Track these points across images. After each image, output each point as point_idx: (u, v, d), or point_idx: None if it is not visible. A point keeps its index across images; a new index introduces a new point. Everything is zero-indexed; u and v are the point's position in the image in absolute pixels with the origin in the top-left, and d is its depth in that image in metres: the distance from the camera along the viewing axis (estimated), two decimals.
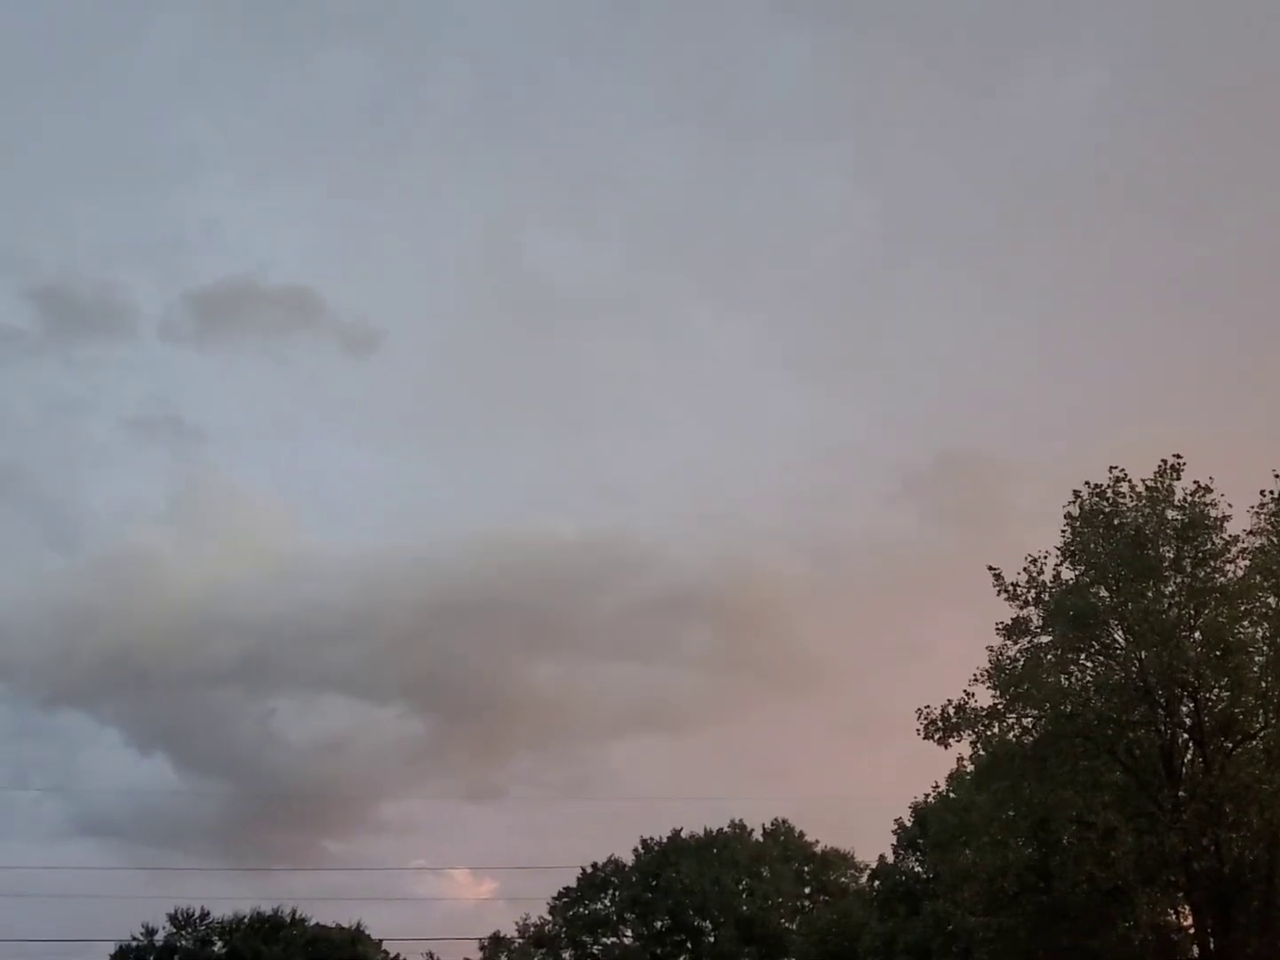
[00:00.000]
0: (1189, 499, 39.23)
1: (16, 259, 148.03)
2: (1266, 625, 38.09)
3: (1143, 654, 38.09)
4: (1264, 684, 37.64)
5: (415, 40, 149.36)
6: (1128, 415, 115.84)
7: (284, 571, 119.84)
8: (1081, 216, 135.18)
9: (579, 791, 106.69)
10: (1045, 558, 40.33)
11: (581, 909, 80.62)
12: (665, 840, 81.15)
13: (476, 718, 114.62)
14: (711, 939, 78.02)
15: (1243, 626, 37.99)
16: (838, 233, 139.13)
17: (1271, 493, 38.68)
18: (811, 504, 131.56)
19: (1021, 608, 40.27)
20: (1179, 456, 39.77)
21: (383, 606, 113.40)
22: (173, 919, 77.81)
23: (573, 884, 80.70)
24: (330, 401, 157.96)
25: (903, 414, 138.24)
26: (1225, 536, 39.10)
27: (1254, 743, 38.32)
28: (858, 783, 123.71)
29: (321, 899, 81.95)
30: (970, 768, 46.40)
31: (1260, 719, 38.11)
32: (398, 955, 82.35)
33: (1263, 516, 38.80)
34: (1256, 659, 37.85)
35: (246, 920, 77.86)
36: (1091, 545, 39.80)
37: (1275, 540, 38.45)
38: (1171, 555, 39.22)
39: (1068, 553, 40.11)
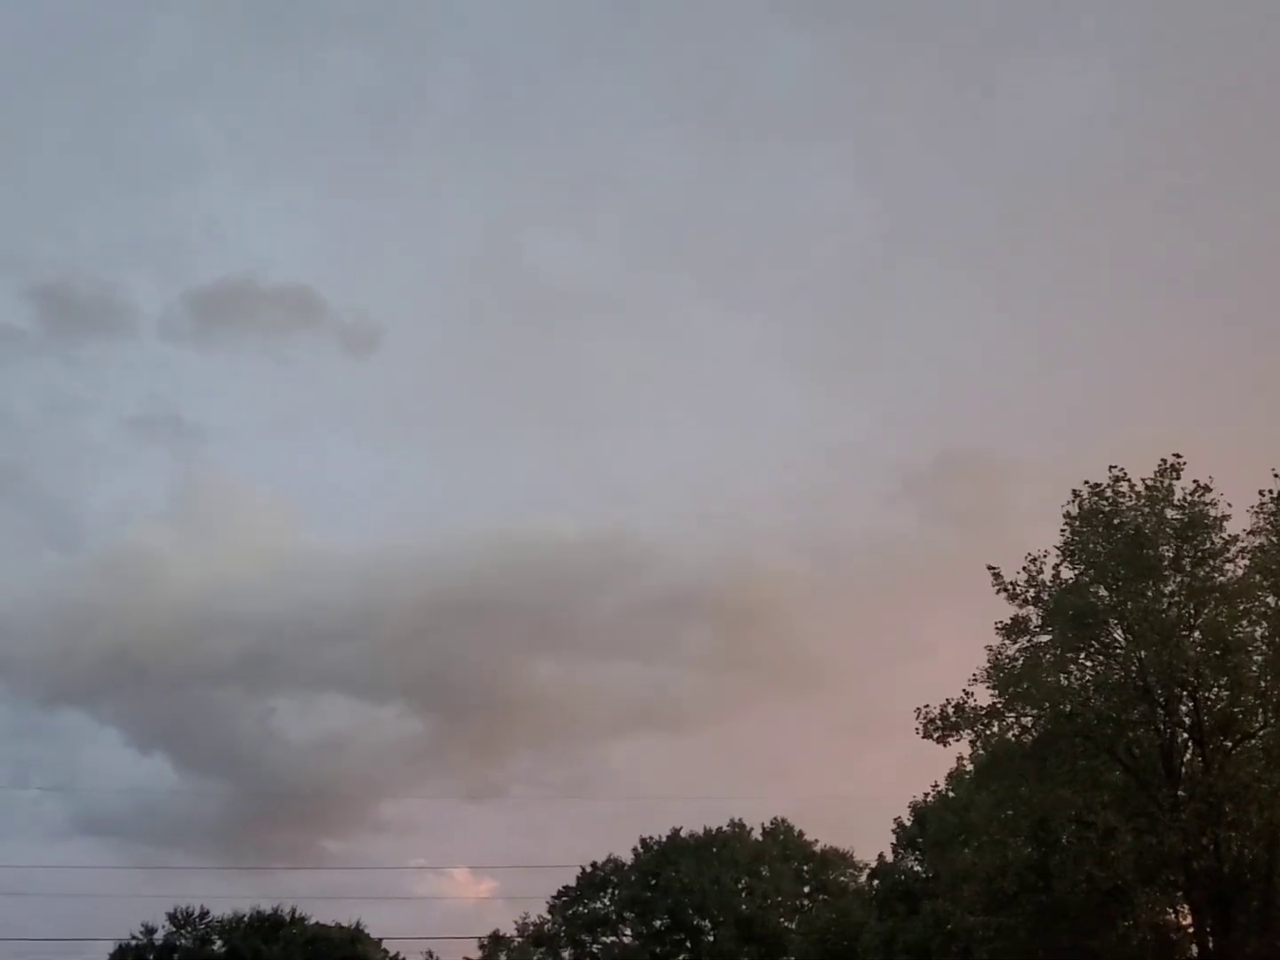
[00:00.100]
0: (1188, 498, 39.24)
1: (17, 258, 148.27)
2: (1266, 624, 38.12)
3: (1142, 653, 38.10)
4: (1263, 683, 37.67)
5: (415, 40, 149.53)
6: (1128, 415, 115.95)
7: (284, 570, 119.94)
8: (1082, 216, 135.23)
9: (579, 791, 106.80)
10: (1044, 557, 40.38)
11: (581, 908, 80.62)
12: (665, 839, 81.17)
13: (476, 717, 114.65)
14: (711, 938, 78.01)
15: (1242, 626, 38.02)
16: (838, 232, 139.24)
17: (1271, 492, 38.71)
18: (812, 504, 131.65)
19: (1021, 607, 40.32)
20: (1179, 456, 39.84)
21: (383, 605, 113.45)
22: (172, 918, 77.90)
23: (572, 883, 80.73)
24: (330, 400, 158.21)
25: (903, 414, 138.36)
26: (1225, 536, 39.13)
27: (1253, 742, 38.37)
28: (857, 782, 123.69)
29: (321, 898, 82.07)
30: (970, 767, 46.44)
31: (1260, 718, 38.14)
32: (397, 954, 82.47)
33: (1262, 516, 38.80)
34: (1256, 658, 37.88)
35: (246, 919, 77.88)
36: (1091, 545, 39.80)
37: (1275, 540, 38.47)
38: (1171, 554, 39.23)
39: (1067, 552, 40.11)
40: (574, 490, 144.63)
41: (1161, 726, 39.00)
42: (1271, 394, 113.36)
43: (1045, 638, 39.90)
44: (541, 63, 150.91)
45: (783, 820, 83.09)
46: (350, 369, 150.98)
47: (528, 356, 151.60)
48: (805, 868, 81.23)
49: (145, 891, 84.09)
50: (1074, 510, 40.28)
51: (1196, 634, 38.37)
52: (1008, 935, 40.92)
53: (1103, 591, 39.49)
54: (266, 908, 78.43)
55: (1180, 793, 37.86)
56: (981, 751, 41.98)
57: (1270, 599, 38.38)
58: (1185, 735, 39.19)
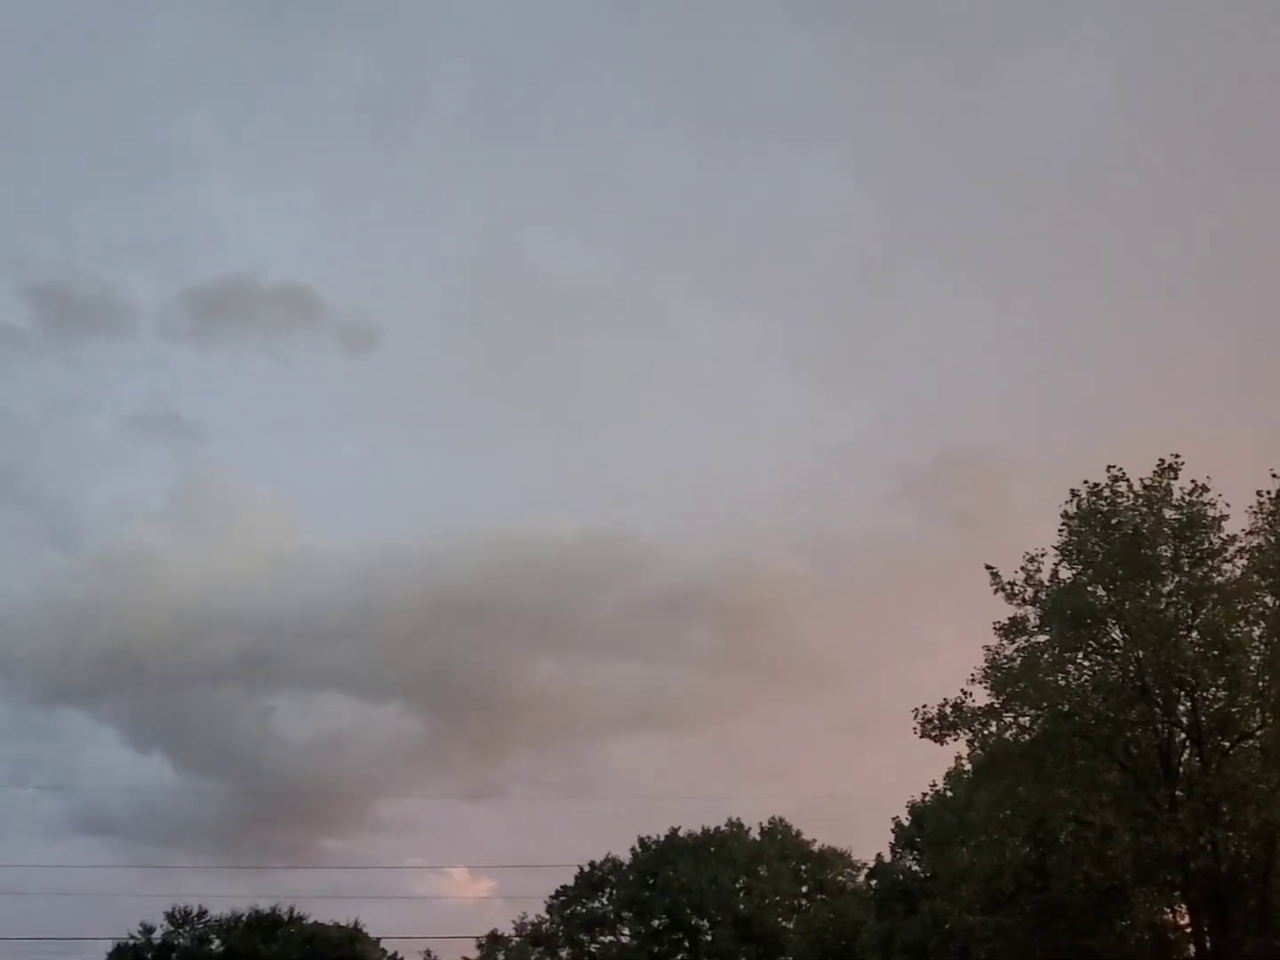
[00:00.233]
0: (1186, 498, 39.28)
1: (15, 257, 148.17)
2: (1264, 624, 38.14)
3: (1140, 653, 38.13)
4: (1261, 683, 37.69)
5: (415, 40, 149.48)
6: (1128, 415, 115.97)
7: (283, 570, 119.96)
8: (1082, 215, 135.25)
9: (578, 791, 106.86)
10: (1043, 556, 40.41)
11: (579, 908, 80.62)
12: (663, 839, 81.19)
13: (475, 716, 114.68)
14: (709, 938, 78.02)
15: (1240, 626, 38.04)
16: (837, 232, 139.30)
17: (1269, 492, 38.74)
18: (811, 503, 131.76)
19: (1019, 607, 40.35)
20: (1177, 456, 39.90)
21: (382, 605, 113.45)
22: (170, 917, 77.93)
23: (570, 883, 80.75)
24: (330, 400, 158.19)
25: (903, 414, 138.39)
26: (1223, 536, 39.15)
27: (1251, 742, 38.39)
28: (857, 782, 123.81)
29: (319, 897, 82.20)
30: (968, 767, 46.46)
31: (1257, 718, 38.16)
32: (395, 953, 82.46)
33: (1260, 516, 38.83)
34: (1254, 658, 37.90)
35: (244, 918, 77.88)
36: (1089, 544, 39.82)
37: (1273, 540, 38.48)
38: (1169, 554, 39.26)
39: (1065, 552, 40.13)
40: (573, 490, 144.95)
41: (1159, 726, 39.02)
42: (1271, 394, 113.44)
43: (1043, 638, 39.93)
44: (541, 63, 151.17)
45: (781, 820, 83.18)
46: (350, 368, 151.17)
47: (527, 356, 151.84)
48: (803, 867, 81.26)
49: (143, 890, 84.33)
50: (1072, 510, 40.32)
51: (1194, 634, 38.41)
52: (1006, 935, 40.96)
53: (1101, 591, 39.50)
54: (265, 907, 78.57)
55: (1178, 792, 37.91)
56: (979, 751, 41.98)
57: (1268, 599, 38.41)
58: (1183, 735, 39.21)
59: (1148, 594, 38.78)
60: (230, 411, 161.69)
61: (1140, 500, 39.55)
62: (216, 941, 77.46)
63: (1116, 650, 39.26)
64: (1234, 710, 38.21)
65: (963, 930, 43.44)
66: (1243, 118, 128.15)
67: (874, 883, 63.81)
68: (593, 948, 79.46)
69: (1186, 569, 39.06)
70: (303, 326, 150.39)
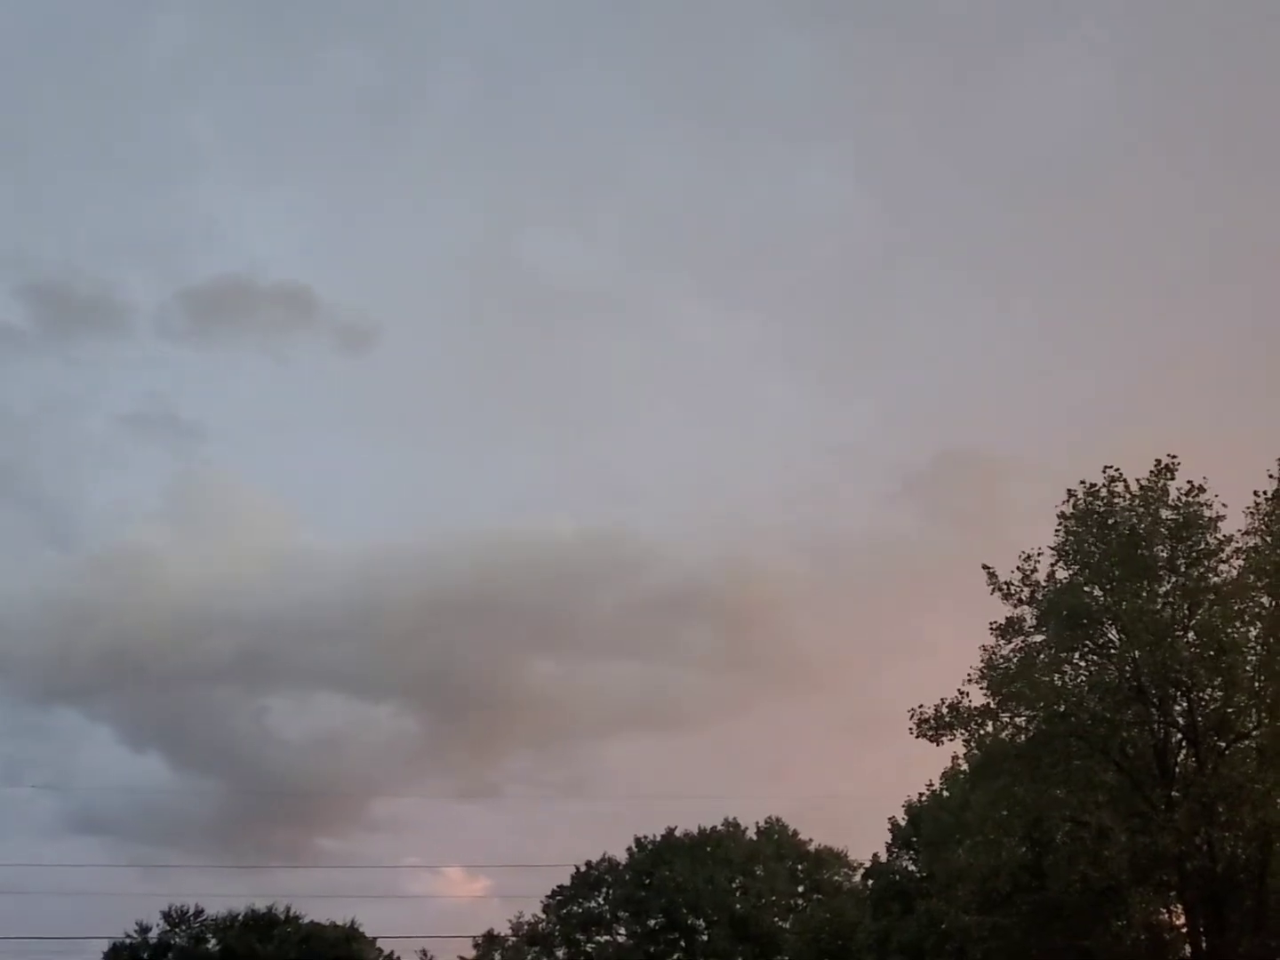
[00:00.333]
0: (1183, 499, 39.30)
1: (13, 256, 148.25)
2: (1260, 625, 38.15)
3: (1136, 653, 38.14)
4: (1257, 684, 37.71)
5: (415, 39, 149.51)
6: (1127, 415, 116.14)
7: (280, 569, 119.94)
8: (1082, 215, 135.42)
9: (575, 790, 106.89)
10: (1039, 555, 40.43)
11: (575, 907, 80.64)
12: (659, 839, 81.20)
13: (473, 716, 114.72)
14: (705, 937, 78.05)
15: (1236, 626, 38.05)
16: (837, 232, 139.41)
17: (1265, 493, 38.75)
18: (811, 503, 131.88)
19: (1015, 607, 40.35)
20: (1173, 456, 39.92)
21: (380, 604, 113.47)
22: (167, 916, 77.90)
23: (567, 882, 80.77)
24: (328, 399, 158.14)
25: (902, 413, 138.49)
26: (1219, 536, 39.16)
27: (1247, 742, 38.41)
28: (855, 782, 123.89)
29: (316, 896, 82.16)
30: (964, 767, 46.48)
31: (1253, 718, 38.19)
32: (392, 953, 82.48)
33: (1257, 516, 38.85)
34: (1250, 658, 37.91)
35: (241, 918, 77.88)
36: (1086, 545, 39.83)
37: (1269, 540, 38.50)
38: (1165, 555, 39.28)
39: (1062, 552, 40.14)
40: (573, 489, 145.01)
41: (1155, 727, 39.05)
42: (1270, 395, 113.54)
43: (1040, 638, 39.94)
44: (541, 62, 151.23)
45: (777, 820, 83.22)
46: (348, 368, 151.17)
47: (526, 356, 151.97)
48: (800, 867, 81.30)
49: (140, 890, 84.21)
50: (1069, 510, 40.33)
51: (1191, 634, 38.45)
52: (1002, 935, 40.98)
53: (1097, 592, 39.51)
54: (261, 906, 78.57)
55: (1174, 793, 37.93)
56: (976, 751, 42.02)
57: (1265, 599, 38.41)
58: (1179, 735, 39.23)
59: (1144, 594, 38.81)
60: (228, 411, 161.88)
61: (1137, 501, 39.58)
62: (213, 941, 77.47)
63: (1113, 650, 39.28)
64: (1230, 711, 38.24)
65: (959, 930, 43.44)
66: (1243, 118, 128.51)
67: (870, 883, 63.83)
68: (589, 947, 79.48)
69: (1183, 569, 39.08)
70: (301, 326, 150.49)
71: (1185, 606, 38.78)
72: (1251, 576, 38.34)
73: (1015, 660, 39.84)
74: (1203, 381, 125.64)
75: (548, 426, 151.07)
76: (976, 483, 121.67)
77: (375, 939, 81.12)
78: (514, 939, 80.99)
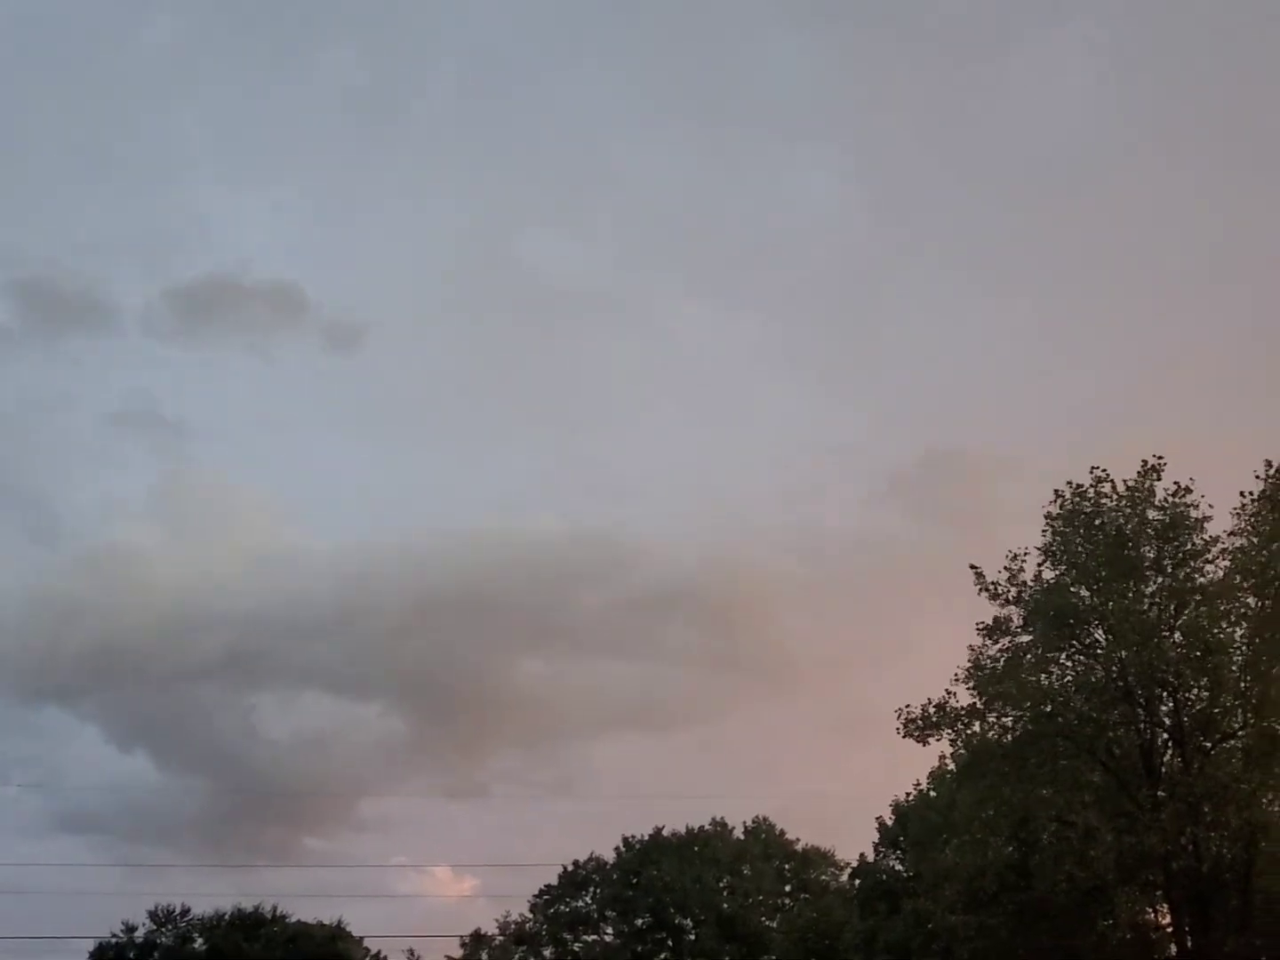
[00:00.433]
0: (1170, 499, 39.41)
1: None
2: (1246, 625, 38.30)
3: (1123, 653, 38.25)
4: (1243, 684, 37.88)
5: (407, 36, 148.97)
6: (1116, 415, 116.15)
7: (268, 567, 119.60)
8: (1078, 215, 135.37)
9: (563, 790, 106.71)
10: (1025, 555, 40.50)
11: (563, 906, 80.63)
12: (647, 838, 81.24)
13: (460, 715, 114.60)
14: (692, 937, 78.09)
15: (1222, 627, 38.20)
16: (831, 231, 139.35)
17: (1251, 493, 38.88)
18: (799, 502, 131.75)
19: (1002, 607, 40.42)
20: (1159, 457, 40.03)
21: (367, 603, 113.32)
22: (153, 916, 77.72)
23: (554, 882, 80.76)
24: (316, 398, 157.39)
25: (890, 412, 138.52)
26: (1206, 537, 39.28)
27: (1233, 742, 38.57)
28: (843, 781, 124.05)
29: (303, 896, 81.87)
30: (951, 767, 46.56)
31: (1239, 719, 38.34)
32: (379, 952, 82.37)
33: (1243, 517, 38.97)
34: (1236, 659, 38.07)
35: (227, 917, 77.70)
36: (1073, 545, 39.92)
37: (1255, 541, 38.62)
38: (1152, 555, 39.39)
39: (1049, 553, 40.22)
40: (562, 488, 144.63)
41: (1142, 727, 39.16)
42: (1258, 396, 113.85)
43: (1026, 638, 40.03)
44: (534, 61, 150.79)
45: (764, 819, 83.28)
46: (336, 366, 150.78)
47: (517, 354, 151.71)
48: (787, 867, 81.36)
49: (126, 889, 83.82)
50: (1056, 511, 40.42)
51: (1177, 635, 38.58)
52: (989, 934, 41.03)
53: (1084, 592, 39.62)
54: (248, 906, 78.40)
55: (1160, 793, 38.02)
56: (963, 751, 42.11)
57: (1250, 600, 38.56)
58: (1165, 735, 39.34)
59: (1131, 595, 38.92)
60: (216, 409, 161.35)
61: (1123, 501, 39.68)
62: (199, 940, 77.28)
63: (1099, 651, 39.38)
64: (1216, 711, 38.39)
65: (945, 930, 43.53)
66: (1242, 116, 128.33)
67: (857, 882, 63.96)
68: (576, 947, 79.48)
69: (1169, 570, 39.20)
70: (289, 325, 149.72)
71: (1171, 607, 38.90)
72: (1238, 577, 38.47)
73: (1002, 660, 39.93)
74: (1194, 383, 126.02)
75: (537, 425, 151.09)
76: (965, 483, 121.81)
77: (362, 938, 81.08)
78: (501, 938, 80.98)
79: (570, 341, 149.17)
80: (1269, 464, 38.80)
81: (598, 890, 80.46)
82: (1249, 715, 38.05)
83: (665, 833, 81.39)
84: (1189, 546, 39.19)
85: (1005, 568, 40.41)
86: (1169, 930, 40.95)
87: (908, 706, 40.20)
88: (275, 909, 78.67)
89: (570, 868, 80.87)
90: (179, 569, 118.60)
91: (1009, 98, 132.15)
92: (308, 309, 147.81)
